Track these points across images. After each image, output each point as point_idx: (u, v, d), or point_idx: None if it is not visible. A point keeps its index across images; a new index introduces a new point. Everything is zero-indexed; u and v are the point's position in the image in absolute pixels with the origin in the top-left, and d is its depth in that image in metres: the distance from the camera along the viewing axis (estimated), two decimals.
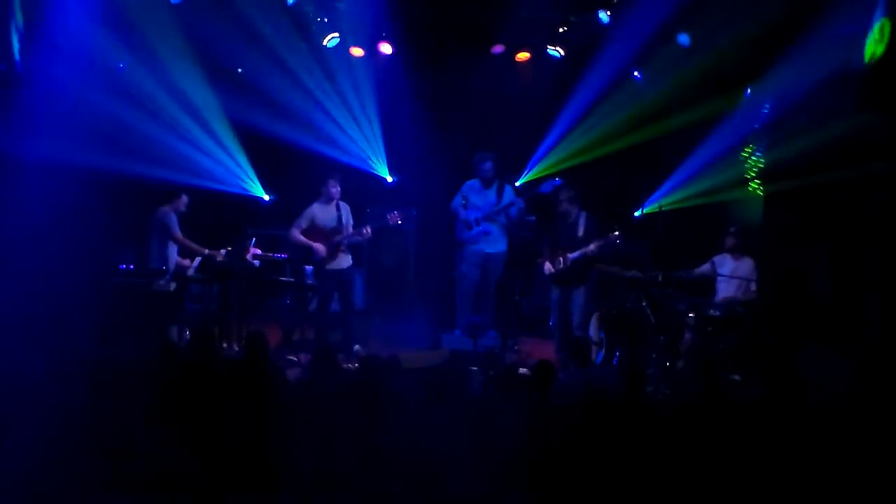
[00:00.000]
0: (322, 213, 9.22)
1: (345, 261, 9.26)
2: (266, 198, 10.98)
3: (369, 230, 9.15)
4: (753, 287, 8.95)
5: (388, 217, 9.24)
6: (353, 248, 9.45)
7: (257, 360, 6.19)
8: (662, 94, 10.12)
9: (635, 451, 5.08)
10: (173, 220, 9.17)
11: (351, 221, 9.28)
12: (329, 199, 9.23)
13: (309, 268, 9.89)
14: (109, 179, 9.44)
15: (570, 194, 9.15)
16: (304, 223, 9.19)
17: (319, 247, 9.11)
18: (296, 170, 10.78)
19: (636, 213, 10.40)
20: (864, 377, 6.81)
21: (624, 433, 5.29)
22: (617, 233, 8.79)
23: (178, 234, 9.17)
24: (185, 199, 9.32)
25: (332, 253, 9.16)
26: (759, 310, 8.92)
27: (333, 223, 9.19)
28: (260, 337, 6.40)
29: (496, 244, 9.63)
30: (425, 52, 10.71)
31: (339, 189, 9.25)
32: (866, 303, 8.80)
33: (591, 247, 8.88)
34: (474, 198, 9.66)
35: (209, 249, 9.16)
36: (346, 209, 9.31)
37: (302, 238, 9.15)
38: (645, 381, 7.59)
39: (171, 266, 9.17)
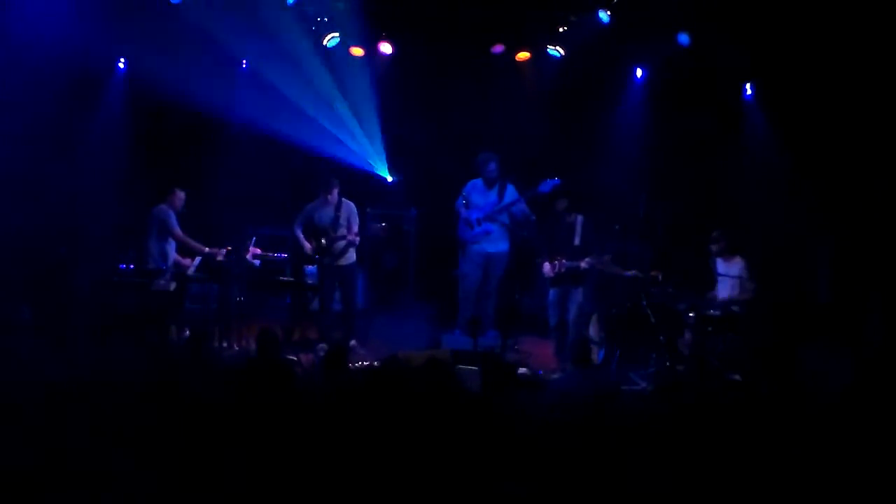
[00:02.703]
0: (318, 211, 9.32)
1: (348, 258, 9.36)
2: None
3: (356, 236, 9.27)
4: (748, 285, 8.93)
5: (373, 226, 9.34)
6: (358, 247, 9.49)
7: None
8: None
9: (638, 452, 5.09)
10: (172, 218, 9.17)
11: (355, 221, 9.34)
12: (327, 200, 9.31)
13: (310, 268, 9.91)
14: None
15: (566, 203, 9.08)
16: (302, 220, 9.36)
17: (308, 246, 9.27)
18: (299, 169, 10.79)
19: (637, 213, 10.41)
20: (862, 377, 6.82)
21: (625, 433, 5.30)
22: (608, 256, 8.79)
23: (179, 231, 9.17)
24: (181, 195, 9.30)
25: (321, 250, 9.22)
26: (758, 309, 8.92)
27: (328, 222, 9.28)
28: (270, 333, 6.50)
29: (498, 244, 9.61)
30: (425, 52, 10.72)
31: (336, 191, 9.31)
32: (865, 303, 8.83)
33: (583, 264, 8.87)
34: (476, 198, 9.64)
35: (209, 248, 9.16)
36: (348, 209, 9.37)
37: (299, 234, 9.33)
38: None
39: (170, 264, 9.16)
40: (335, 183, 9.35)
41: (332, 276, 9.35)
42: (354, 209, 9.43)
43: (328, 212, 9.32)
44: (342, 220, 9.29)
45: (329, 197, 9.31)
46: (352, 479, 4.73)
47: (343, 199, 9.38)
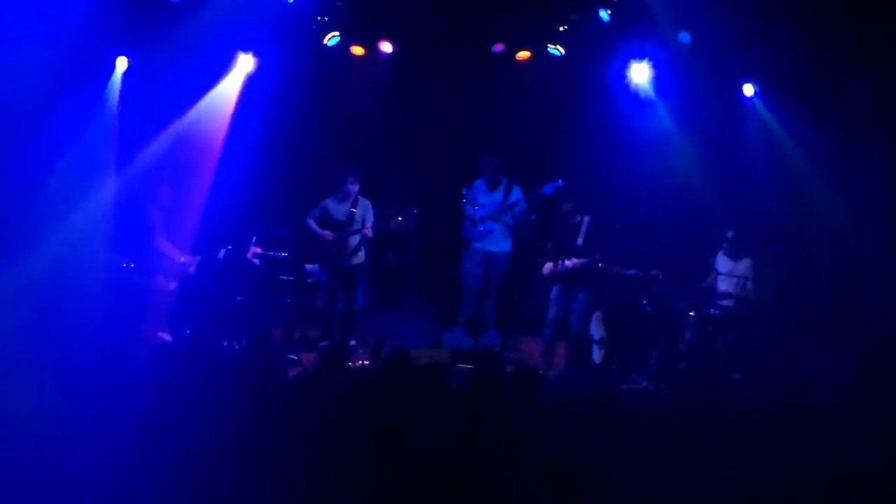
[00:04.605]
0: (335, 207, 9.28)
1: (360, 256, 9.35)
2: None
3: (370, 230, 9.23)
4: (750, 285, 8.92)
5: (391, 222, 9.29)
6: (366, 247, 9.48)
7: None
8: None
9: (632, 449, 5.09)
10: (155, 218, 9.05)
11: (370, 219, 9.30)
12: (346, 196, 9.26)
13: (311, 267, 9.92)
14: None
15: (572, 204, 9.09)
16: (317, 213, 9.29)
17: (328, 234, 9.19)
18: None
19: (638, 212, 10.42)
20: (862, 377, 6.83)
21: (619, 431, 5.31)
22: (599, 256, 8.80)
23: (157, 235, 9.05)
24: (166, 190, 9.14)
25: (337, 246, 9.18)
26: (758, 309, 8.92)
27: (344, 218, 9.24)
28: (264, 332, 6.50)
29: (500, 243, 9.61)
30: (425, 52, 10.72)
31: (357, 186, 9.26)
32: (867, 303, 8.83)
33: (568, 263, 8.87)
34: (482, 197, 9.65)
35: (184, 257, 9.06)
36: (364, 206, 9.32)
37: (314, 226, 9.24)
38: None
39: (164, 263, 9.08)
40: (357, 177, 9.27)
41: (340, 274, 9.32)
42: (370, 207, 9.37)
43: (345, 207, 9.27)
44: (357, 217, 9.24)
45: (350, 189, 9.23)
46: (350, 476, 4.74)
47: (360, 196, 9.32)
